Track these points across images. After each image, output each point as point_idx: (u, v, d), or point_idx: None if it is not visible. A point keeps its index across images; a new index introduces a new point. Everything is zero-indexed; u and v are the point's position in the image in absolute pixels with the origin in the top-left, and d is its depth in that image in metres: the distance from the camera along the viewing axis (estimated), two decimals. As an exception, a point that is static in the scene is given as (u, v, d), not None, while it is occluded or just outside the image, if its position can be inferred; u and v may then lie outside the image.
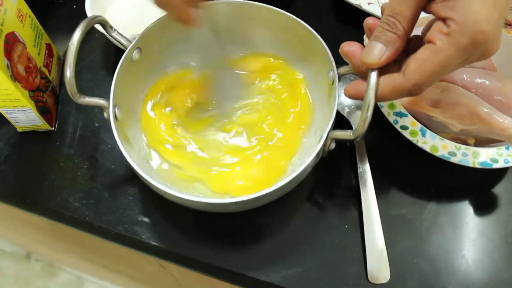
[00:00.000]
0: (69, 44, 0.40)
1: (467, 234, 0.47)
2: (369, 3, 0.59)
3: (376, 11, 0.58)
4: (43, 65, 0.53)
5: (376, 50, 0.35)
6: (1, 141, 0.53)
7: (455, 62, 0.33)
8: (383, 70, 0.36)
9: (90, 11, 0.54)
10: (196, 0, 0.44)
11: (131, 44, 0.47)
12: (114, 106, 0.44)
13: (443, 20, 0.32)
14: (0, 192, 0.51)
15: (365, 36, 0.48)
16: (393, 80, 0.35)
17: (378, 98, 0.36)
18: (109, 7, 0.58)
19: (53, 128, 0.54)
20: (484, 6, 0.31)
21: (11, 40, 0.46)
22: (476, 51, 0.32)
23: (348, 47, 0.38)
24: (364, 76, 0.37)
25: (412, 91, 0.35)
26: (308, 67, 0.51)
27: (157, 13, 0.49)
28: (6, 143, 0.53)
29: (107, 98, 0.44)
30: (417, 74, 0.33)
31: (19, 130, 0.53)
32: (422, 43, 0.34)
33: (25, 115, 0.50)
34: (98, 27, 0.46)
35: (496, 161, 0.45)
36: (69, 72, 0.40)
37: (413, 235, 0.47)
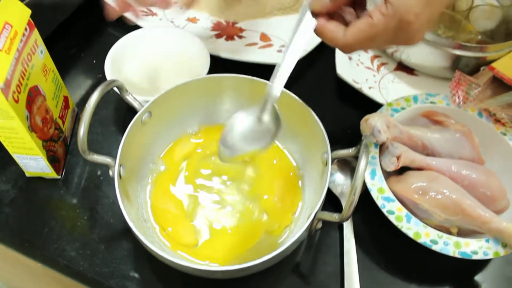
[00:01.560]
0: (86, 105, 0.44)
1: (445, 322, 0.49)
2: (370, 87, 0.63)
3: (376, 96, 0.61)
4: (58, 117, 0.56)
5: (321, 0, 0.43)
6: (8, 183, 0.56)
7: (383, 38, 0.41)
8: (337, 18, 0.43)
9: (109, 72, 0.58)
10: None
11: (143, 108, 0.50)
12: (120, 165, 0.47)
13: (386, 2, 0.40)
14: (1, 234, 0.53)
15: (361, 122, 0.52)
16: (336, 31, 0.42)
17: (320, 31, 0.43)
18: (125, 67, 0.62)
19: (60, 176, 0.56)
20: (417, 2, 0.39)
21: (34, 93, 0.49)
22: (401, 35, 0.41)
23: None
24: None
25: (344, 49, 0.43)
26: (303, 144, 0.54)
27: (166, 76, 0.53)
28: (13, 186, 0.56)
29: (114, 154, 0.47)
30: (351, 38, 0.42)
31: (27, 174, 0.56)
32: (366, 13, 0.42)
33: (35, 162, 0.53)
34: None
35: (476, 252, 0.47)
36: (82, 130, 0.43)
37: (392, 317, 0.48)
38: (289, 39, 0.44)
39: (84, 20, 0.73)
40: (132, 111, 0.50)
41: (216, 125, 0.58)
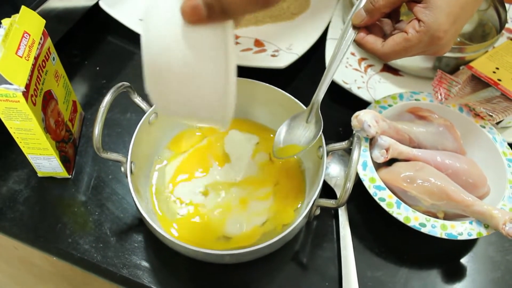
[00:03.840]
0: (100, 107, 0.47)
1: (435, 299, 0.53)
2: (358, 87, 0.67)
3: (364, 95, 0.66)
4: (68, 120, 0.59)
5: (360, 16, 0.49)
6: (21, 183, 0.59)
7: (416, 50, 0.48)
8: (374, 31, 0.50)
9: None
10: None
11: (150, 109, 0.54)
12: (131, 162, 0.50)
13: (418, 20, 0.46)
14: (16, 230, 0.56)
15: (352, 118, 0.56)
16: (375, 43, 0.49)
17: (361, 42, 0.50)
18: None
19: (70, 176, 0.60)
20: (446, 21, 0.45)
21: (48, 97, 0.53)
22: (431, 47, 0.47)
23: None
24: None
25: (382, 58, 0.49)
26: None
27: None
28: (26, 186, 0.59)
29: (121, 153, 0.51)
30: (389, 49, 0.48)
31: (39, 175, 0.59)
32: (402, 29, 0.48)
33: (48, 162, 0.56)
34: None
35: (461, 233, 0.51)
36: (97, 130, 0.47)
37: (386, 297, 0.52)
38: (333, 51, 0.50)
39: (86, 29, 0.77)
40: (136, 113, 0.54)
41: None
